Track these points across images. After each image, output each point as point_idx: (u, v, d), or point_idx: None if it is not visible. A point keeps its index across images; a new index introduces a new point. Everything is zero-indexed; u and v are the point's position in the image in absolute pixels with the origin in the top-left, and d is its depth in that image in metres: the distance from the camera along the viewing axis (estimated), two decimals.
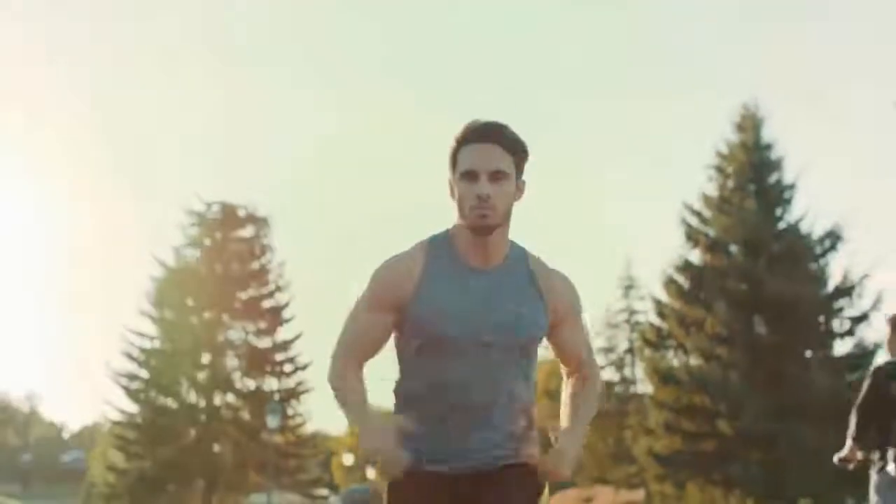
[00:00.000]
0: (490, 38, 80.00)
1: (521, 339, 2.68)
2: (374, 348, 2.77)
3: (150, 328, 34.01)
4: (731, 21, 73.00)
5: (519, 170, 2.70)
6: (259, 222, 35.19)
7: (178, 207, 36.22)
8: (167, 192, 77.13)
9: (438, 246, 2.73)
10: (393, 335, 2.77)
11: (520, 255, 2.76)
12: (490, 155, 2.63)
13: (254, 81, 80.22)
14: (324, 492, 40.92)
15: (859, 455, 5.66)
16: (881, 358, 5.52)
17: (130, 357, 33.57)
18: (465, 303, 2.66)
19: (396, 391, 2.79)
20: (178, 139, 79.74)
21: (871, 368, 5.88)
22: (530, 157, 2.71)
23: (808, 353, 27.58)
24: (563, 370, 2.90)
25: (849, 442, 5.71)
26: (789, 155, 28.97)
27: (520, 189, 2.71)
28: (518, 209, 2.71)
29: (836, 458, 5.80)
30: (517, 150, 2.68)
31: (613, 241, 70.41)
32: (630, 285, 38.34)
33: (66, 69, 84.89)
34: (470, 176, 2.63)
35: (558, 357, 2.86)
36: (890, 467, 5.57)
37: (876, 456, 5.70)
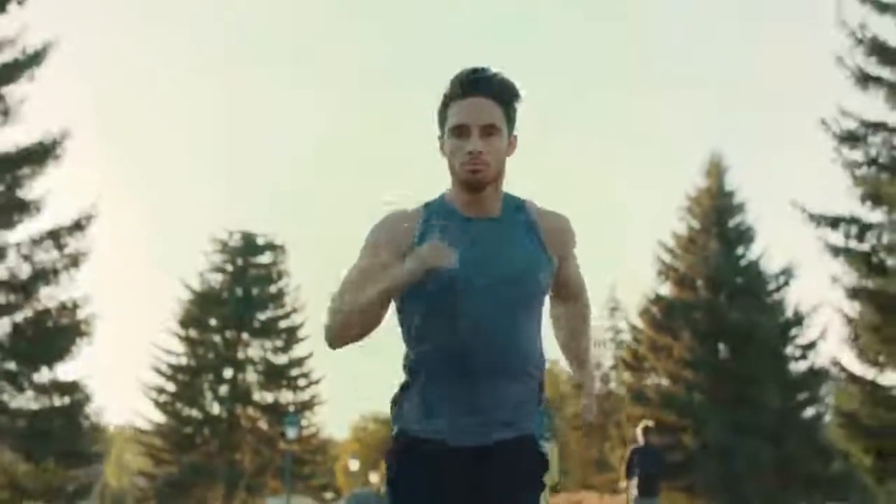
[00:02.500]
0: (490, 38, 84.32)
1: (533, 287, 2.73)
2: None
3: (177, 346, 39.13)
4: (731, 23, 77.34)
5: (510, 121, 2.74)
6: (276, 249, 40.78)
7: (181, 207, 41.67)
8: (169, 193, 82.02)
9: (434, 204, 2.81)
10: (394, 306, 2.77)
11: (518, 205, 2.81)
12: (481, 109, 2.67)
13: (256, 84, 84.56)
14: (329, 495, 46.22)
15: (629, 485, 11.92)
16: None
17: (159, 372, 38.59)
18: (471, 250, 2.69)
19: (406, 364, 2.80)
20: (182, 144, 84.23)
21: (630, 447, 12.08)
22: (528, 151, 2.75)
23: (764, 377, 33.20)
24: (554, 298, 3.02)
25: (623, 481, 11.92)
26: (752, 199, 34.71)
27: (512, 144, 2.76)
28: None
29: (622, 486, 12.22)
30: (509, 100, 2.73)
31: (603, 263, 74.63)
32: (615, 307, 44.11)
33: (65, 70, 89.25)
34: (460, 131, 2.68)
35: (555, 293, 2.96)
36: (633, 492, 12.23)
37: (631, 485, 12.14)
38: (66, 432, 22.00)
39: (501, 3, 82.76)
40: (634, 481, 12.62)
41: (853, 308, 22.29)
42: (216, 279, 40.26)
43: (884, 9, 21.68)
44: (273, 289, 40.46)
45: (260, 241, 40.68)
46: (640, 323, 34.89)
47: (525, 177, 2.88)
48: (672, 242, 34.65)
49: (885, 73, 21.61)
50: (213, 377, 39.21)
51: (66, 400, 22.46)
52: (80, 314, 22.15)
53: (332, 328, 2.65)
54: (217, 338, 39.62)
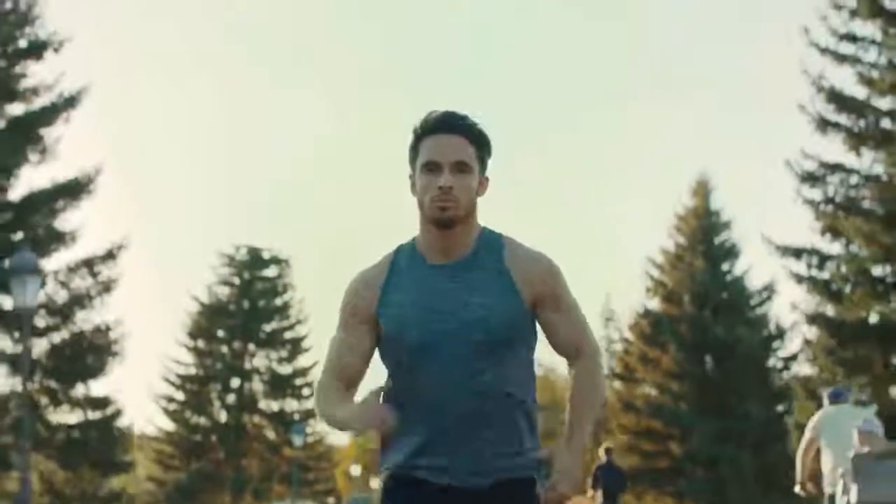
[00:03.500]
0: (490, 39, 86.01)
1: (495, 334, 2.69)
2: (355, 370, 2.84)
3: (186, 356, 41.66)
4: (731, 24, 79.20)
5: (482, 164, 2.79)
6: (281, 263, 43.41)
7: (190, 221, 43.97)
8: (169, 195, 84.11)
9: (402, 252, 2.83)
10: (378, 351, 2.85)
11: (493, 244, 2.80)
12: (453, 146, 2.72)
13: (256, 86, 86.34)
14: (331, 500, 48.70)
15: (595, 496, 14.79)
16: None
17: (168, 381, 41.03)
18: (425, 305, 2.73)
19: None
20: (184, 154, 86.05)
21: (596, 464, 14.91)
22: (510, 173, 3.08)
23: (747, 388, 35.85)
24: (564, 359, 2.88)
25: (590, 492, 14.79)
26: (744, 201, 37.12)
27: (483, 184, 2.79)
28: (511, 228, 2.83)
29: (589, 496, 14.97)
30: (481, 143, 2.77)
31: (601, 272, 75.84)
32: (609, 317, 46.72)
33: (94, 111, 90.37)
34: (432, 167, 2.71)
35: (550, 344, 2.86)
36: (599, 500, 15.29)
37: (597, 496, 15.01)
38: (99, 443, 24.95)
39: (501, 3, 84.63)
40: (599, 493, 15.86)
41: (811, 332, 25.24)
42: (223, 292, 42.74)
43: (842, 60, 24.59)
44: (278, 301, 43.04)
45: (265, 255, 43.18)
46: (630, 335, 37.68)
47: (525, 180, 3.46)
48: (660, 259, 37.38)
49: (842, 119, 24.51)
50: (220, 386, 41.71)
51: (99, 413, 25.45)
52: (112, 335, 25.15)
53: (319, 417, 2.87)
54: (224, 348, 42.15)
